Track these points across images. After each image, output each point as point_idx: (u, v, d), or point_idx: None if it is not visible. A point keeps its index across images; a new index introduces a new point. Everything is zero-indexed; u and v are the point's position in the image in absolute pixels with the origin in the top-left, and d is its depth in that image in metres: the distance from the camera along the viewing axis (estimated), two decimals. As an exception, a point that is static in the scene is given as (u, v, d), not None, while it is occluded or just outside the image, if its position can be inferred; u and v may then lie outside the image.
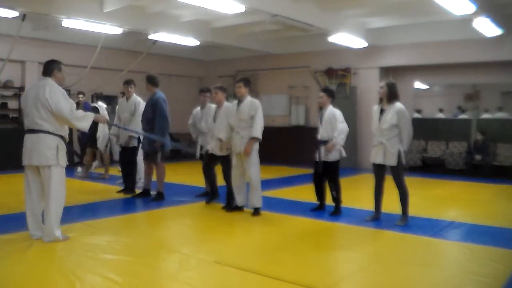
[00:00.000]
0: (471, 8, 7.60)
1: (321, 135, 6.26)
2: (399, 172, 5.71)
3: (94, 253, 4.36)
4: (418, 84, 12.91)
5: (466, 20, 8.79)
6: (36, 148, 4.58)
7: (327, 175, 6.32)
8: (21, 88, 10.85)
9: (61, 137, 4.72)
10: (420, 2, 8.46)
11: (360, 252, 4.70)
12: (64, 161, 4.71)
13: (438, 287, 3.80)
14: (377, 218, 5.92)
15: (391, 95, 5.68)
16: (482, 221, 6.08)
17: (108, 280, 3.64)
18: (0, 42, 9.63)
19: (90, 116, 4.85)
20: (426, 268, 4.14)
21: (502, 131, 10.98)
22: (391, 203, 6.01)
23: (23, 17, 8.29)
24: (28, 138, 4.64)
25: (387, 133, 5.65)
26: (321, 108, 6.33)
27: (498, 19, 8.99)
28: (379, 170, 5.85)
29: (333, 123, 6.14)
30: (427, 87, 13.65)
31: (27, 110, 4.65)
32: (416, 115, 12.71)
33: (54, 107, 4.56)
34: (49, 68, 4.76)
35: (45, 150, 4.58)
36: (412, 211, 5.86)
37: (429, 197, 7.84)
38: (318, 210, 6.46)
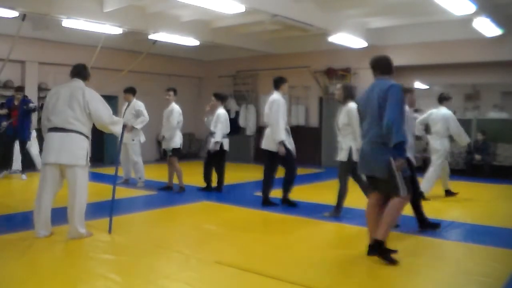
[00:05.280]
0: (471, 8, 7.60)
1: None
2: (345, 168, 5.95)
3: (94, 253, 4.36)
4: (418, 84, 12.90)
5: (466, 20, 8.78)
6: (67, 147, 4.60)
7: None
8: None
9: (88, 138, 4.80)
10: (420, 2, 8.45)
11: (360, 252, 4.70)
12: (88, 161, 4.80)
13: (438, 287, 3.81)
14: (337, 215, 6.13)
15: (346, 96, 5.99)
16: (482, 221, 6.09)
17: (108, 280, 3.65)
18: (0, 42, 9.62)
19: (121, 121, 5.02)
20: (426, 268, 4.14)
21: (502, 131, 10.98)
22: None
23: (23, 17, 8.28)
24: (57, 136, 4.63)
25: (342, 131, 6.01)
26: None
27: (498, 19, 8.98)
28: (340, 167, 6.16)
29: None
30: (427, 87, 13.64)
31: (59, 108, 4.65)
32: (415, 115, 12.66)
33: (93, 112, 4.65)
34: (86, 72, 4.92)
35: (77, 150, 4.64)
36: (412, 211, 5.84)
37: (429, 197, 7.83)
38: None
